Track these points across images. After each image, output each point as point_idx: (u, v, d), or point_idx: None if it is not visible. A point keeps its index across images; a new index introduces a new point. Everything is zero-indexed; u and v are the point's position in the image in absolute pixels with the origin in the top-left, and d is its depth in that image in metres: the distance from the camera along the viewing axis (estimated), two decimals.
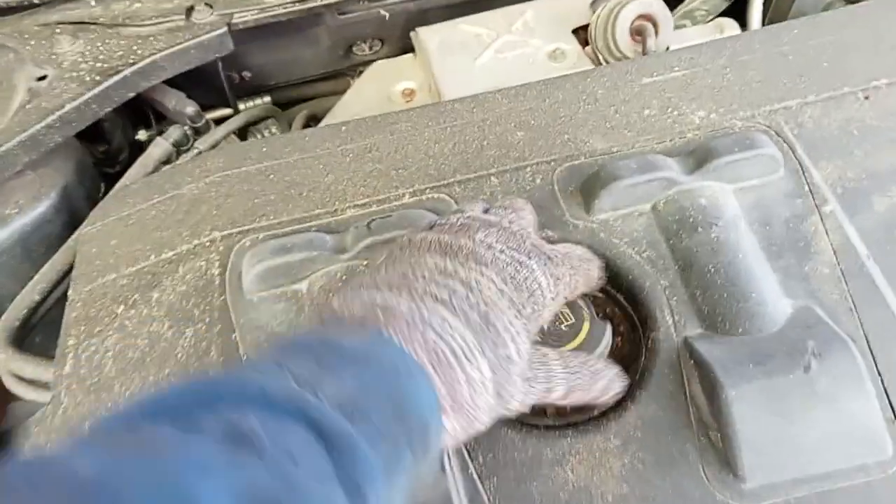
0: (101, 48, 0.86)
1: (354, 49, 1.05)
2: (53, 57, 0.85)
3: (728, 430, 0.51)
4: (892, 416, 0.53)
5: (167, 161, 0.91)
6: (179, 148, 0.92)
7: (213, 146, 0.92)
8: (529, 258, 0.49)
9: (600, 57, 0.90)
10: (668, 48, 0.89)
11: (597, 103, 0.71)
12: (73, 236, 0.77)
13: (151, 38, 0.86)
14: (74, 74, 0.83)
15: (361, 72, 1.04)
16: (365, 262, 0.60)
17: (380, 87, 0.98)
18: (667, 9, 0.88)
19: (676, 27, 0.95)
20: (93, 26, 0.89)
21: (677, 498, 0.52)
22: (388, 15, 0.98)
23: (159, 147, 0.90)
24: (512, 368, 0.45)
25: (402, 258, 0.49)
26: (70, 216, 0.81)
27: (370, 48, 1.05)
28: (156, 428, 0.34)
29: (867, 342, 0.56)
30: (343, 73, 1.09)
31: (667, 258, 0.60)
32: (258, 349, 0.42)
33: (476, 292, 0.46)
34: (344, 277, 0.60)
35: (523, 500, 0.53)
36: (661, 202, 0.62)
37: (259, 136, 1.02)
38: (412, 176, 0.68)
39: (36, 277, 0.75)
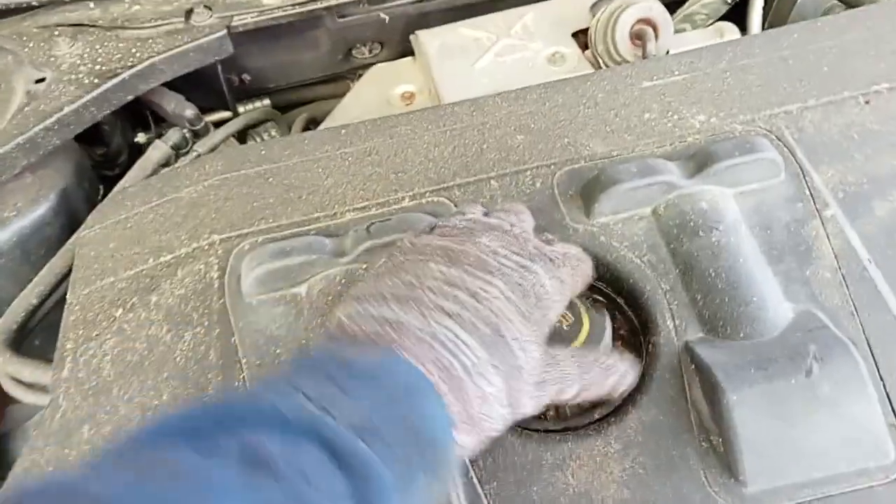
0: (99, 51, 0.86)
1: (354, 52, 1.05)
2: (52, 59, 0.85)
3: (729, 435, 0.51)
4: (895, 421, 0.53)
5: (166, 164, 0.90)
6: (178, 151, 0.91)
7: (212, 149, 0.92)
8: (533, 262, 0.49)
9: (600, 61, 0.90)
10: (668, 52, 0.89)
11: (597, 107, 0.71)
12: (72, 239, 0.77)
13: (150, 41, 0.86)
14: (73, 77, 0.83)
15: (361, 75, 1.04)
16: (364, 266, 0.60)
17: (379, 90, 0.98)
18: (667, 13, 0.88)
19: (676, 31, 0.95)
20: (91, 29, 0.88)
21: (678, 503, 0.52)
22: (387, 18, 0.98)
23: (158, 150, 0.89)
24: (523, 377, 0.45)
25: (406, 265, 0.48)
26: (69, 219, 0.81)
27: (370, 51, 1.05)
28: (175, 450, 0.34)
29: (869, 346, 0.56)
30: (342, 76, 1.09)
31: (667, 262, 0.60)
32: (272, 368, 0.42)
33: (484, 302, 0.45)
34: (343, 281, 0.60)
35: None
36: (662, 206, 0.62)
37: (258, 139, 1.02)
38: (412, 179, 0.68)
39: (34, 280, 0.75)
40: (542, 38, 0.94)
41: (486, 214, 0.56)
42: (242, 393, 0.40)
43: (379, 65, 1.02)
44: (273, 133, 1.03)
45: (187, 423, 0.37)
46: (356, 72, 1.07)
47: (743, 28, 0.98)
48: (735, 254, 0.59)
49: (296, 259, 0.60)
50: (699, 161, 0.62)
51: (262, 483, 0.33)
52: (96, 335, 0.64)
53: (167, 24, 0.88)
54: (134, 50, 0.85)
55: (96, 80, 0.82)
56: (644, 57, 0.86)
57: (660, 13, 0.87)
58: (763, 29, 0.98)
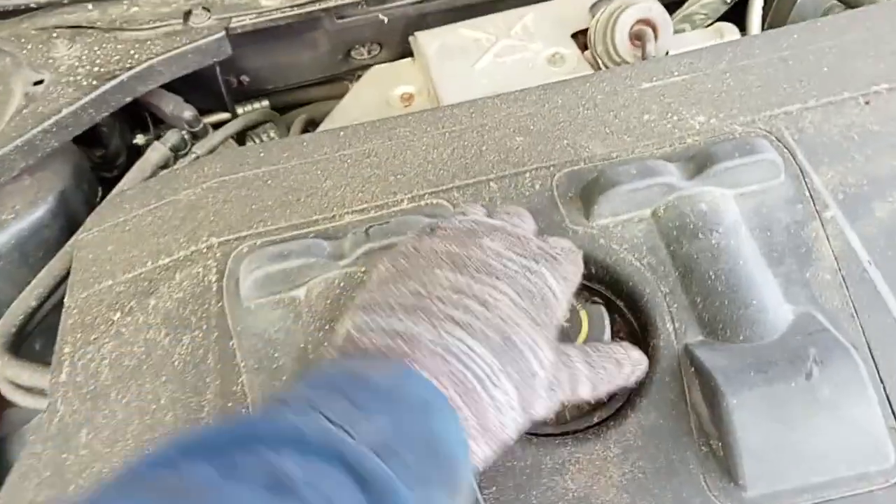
0: (98, 52, 0.85)
1: (353, 53, 1.05)
2: (50, 61, 0.85)
3: (729, 439, 0.50)
4: (895, 424, 0.52)
5: (165, 166, 0.90)
6: (177, 153, 0.91)
7: (211, 151, 0.92)
8: (538, 263, 0.49)
9: (600, 61, 0.90)
10: (667, 53, 0.88)
11: (596, 108, 0.71)
12: (70, 241, 0.76)
13: (149, 43, 0.86)
14: (71, 79, 0.83)
15: (360, 76, 1.04)
16: (363, 270, 0.60)
17: (378, 91, 0.98)
18: (666, 13, 0.88)
19: (676, 31, 0.95)
20: (90, 30, 0.88)
21: None
22: (386, 19, 0.98)
23: (157, 152, 0.89)
24: (536, 382, 0.45)
25: (410, 272, 0.48)
26: (67, 221, 0.81)
27: (369, 52, 1.05)
28: (196, 470, 0.34)
29: (869, 349, 0.55)
30: (341, 77, 1.09)
31: (667, 264, 0.60)
32: (288, 385, 0.42)
33: (493, 309, 0.45)
34: (342, 284, 0.60)
35: None
36: (661, 208, 0.62)
37: (257, 141, 1.02)
38: (411, 182, 0.68)
39: (33, 283, 0.75)
40: (541, 38, 0.94)
41: (487, 215, 0.56)
42: (264, 413, 0.40)
43: (378, 66, 1.02)
44: (272, 134, 1.03)
45: (210, 440, 0.37)
46: (355, 73, 1.07)
47: (742, 28, 0.98)
48: (735, 256, 0.58)
49: (294, 262, 0.60)
50: (699, 162, 0.62)
51: None
52: (94, 339, 0.64)
53: (165, 25, 0.88)
54: (132, 52, 0.85)
55: (94, 82, 0.82)
56: (643, 58, 0.86)
57: (659, 14, 0.87)
58: (763, 29, 0.98)
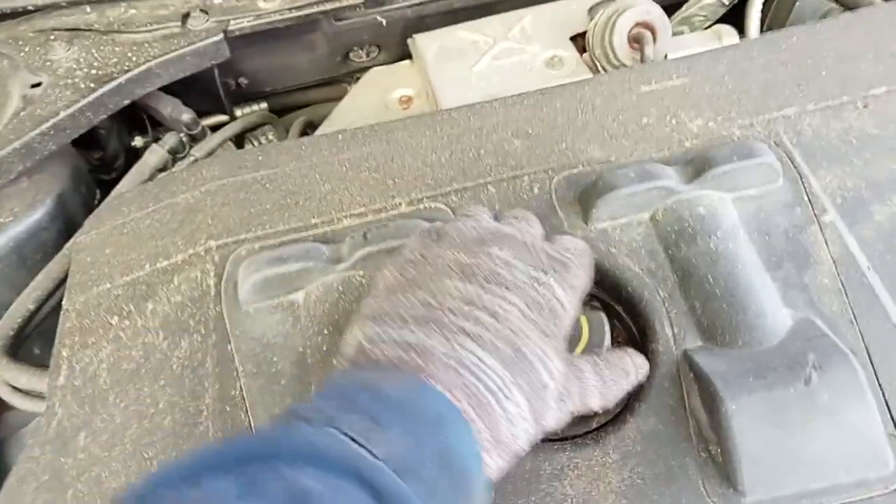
0: (95, 55, 0.85)
1: (351, 55, 1.05)
2: (48, 64, 0.85)
3: (728, 444, 0.50)
4: (894, 431, 0.52)
5: (163, 168, 0.90)
6: (175, 155, 0.91)
7: (210, 153, 0.92)
8: (546, 274, 0.49)
9: (598, 64, 0.89)
10: (665, 55, 0.88)
11: (594, 112, 0.71)
12: (68, 244, 0.76)
13: (146, 45, 0.86)
14: (69, 81, 0.82)
15: (358, 78, 1.04)
16: (362, 273, 0.60)
17: (377, 93, 0.98)
18: (665, 16, 0.87)
19: (674, 33, 0.95)
20: (88, 33, 0.88)
21: None
22: (385, 21, 0.98)
23: (155, 154, 0.89)
24: (547, 394, 0.46)
25: (419, 281, 0.48)
26: (65, 223, 0.81)
27: (367, 55, 1.05)
28: (216, 487, 0.34)
29: (868, 354, 0.55)
30: (340, 79, 1.09)
31: (665, 268, 0.60)
32: (304, 398, 0.42)
33: (503, 321, 0.46)
34: (340, 288, 0.60)
35: None
36: (660, 211, 0.62)
37: (256, 143, 1.01)
38: (409, 185, 0.68)
39: (31, 286, 0.75)
40: (540, 41, 0.94)
41: (493, 218, 0.56)
42: (283, 428, 0.40)
43: (376, 68, 1.02)
44: (270, 136, 1.03)
45: (230, 454, 0.37)
46: (353, 75, 1.07)
47: (741, 30, 0.98)
48: (733, 260, 0.58)
49: (292, 266, 0.60)
50: (697, 166, 0.62)
51: None
52: (92, 342, 0.63)
53: (163, 28, 0.88)
54: (130, 54, 0.85)
55: (92, 85, 0.82)
56: (642, 61, 0.86)
57: (657, 16, 0.87)
58: (761, 31, 0.98)
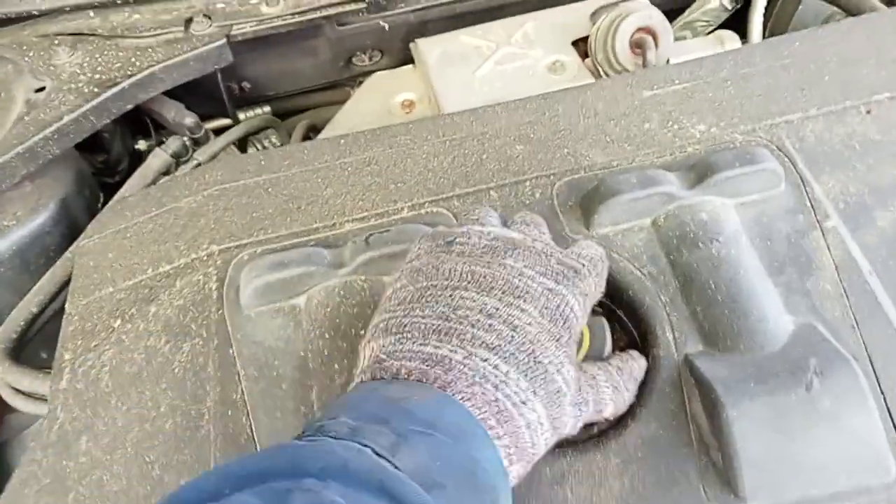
0: (99, 60, 0.86)
1: (354, 60, 1.05)
2: (52, 68, 0.85)
3: (729, 450, 0.50)
4: None
5: (166, 172, 0.90)
6: (179, 159, 0.91)
7: (213, 157, 0.92)
8: (558, 283, 0.49)
9: (600, 69, 0.90)
10: (668, 61, 0.89)
11: (597, 117, 0.71)
12: (71, 248, 0.77)
13: (150, 50, 0.86)
14: (73, 86, 0.83)
15: (361, 82, 1.04)
16: (363, 278, 0.60)
17: (379, 98, 0.98)
18: (666, 21, 0.88)
19: (676, 39, 0.95)
20: (91, 38, 0.88)
21: None
22: (387, 26, 0.98)
23: (158, 158, 0.89)
24: (563, 400, 0.46)
25: (434, 293, 0.48)
26: (69, 227, 0.81)
27: (370, 59, 1.05)
28: (243, 501, 0.34)
29: (870, 360, 0.55)
30: (343, 83, 1.09)
31: (667, 274, 0.60)
32: (327, 410, 0.43)
33: (520, 331, 0.46)
34: (342, 293, 0.60)
35: None
36: (662, 217, 0.62)
37: (259, 147, 1.02)
38: (411, 190, 0.68)
39: (34, 289, 0.75)
40: (542, 46, 0.94)
41: (504, 223, 0.56)
42: (308, 442, 0.40)
43: (379, 73, 1.02)
44: (273, 140, 1.03)
45: (255, 469, 0.37)
46: (356, 79, 1.07)
47: (743, 36, 0.98)
48: (735, 265, 0.58)
49: (294, 270, 0.60)
50: (699, 171, 0.62)
51: None
52: (95, 346, 0.64)
53: (167, 33, 0.88)
54: (133, 59, 0.85)
55: (96, 90, 0.82)
56: (644, 66, 0.86)
57: (659, 21, 0.87)
58: (763, 36, 0.98)
